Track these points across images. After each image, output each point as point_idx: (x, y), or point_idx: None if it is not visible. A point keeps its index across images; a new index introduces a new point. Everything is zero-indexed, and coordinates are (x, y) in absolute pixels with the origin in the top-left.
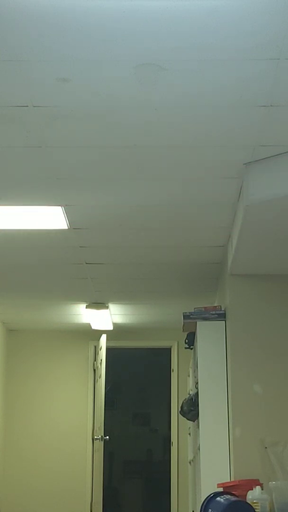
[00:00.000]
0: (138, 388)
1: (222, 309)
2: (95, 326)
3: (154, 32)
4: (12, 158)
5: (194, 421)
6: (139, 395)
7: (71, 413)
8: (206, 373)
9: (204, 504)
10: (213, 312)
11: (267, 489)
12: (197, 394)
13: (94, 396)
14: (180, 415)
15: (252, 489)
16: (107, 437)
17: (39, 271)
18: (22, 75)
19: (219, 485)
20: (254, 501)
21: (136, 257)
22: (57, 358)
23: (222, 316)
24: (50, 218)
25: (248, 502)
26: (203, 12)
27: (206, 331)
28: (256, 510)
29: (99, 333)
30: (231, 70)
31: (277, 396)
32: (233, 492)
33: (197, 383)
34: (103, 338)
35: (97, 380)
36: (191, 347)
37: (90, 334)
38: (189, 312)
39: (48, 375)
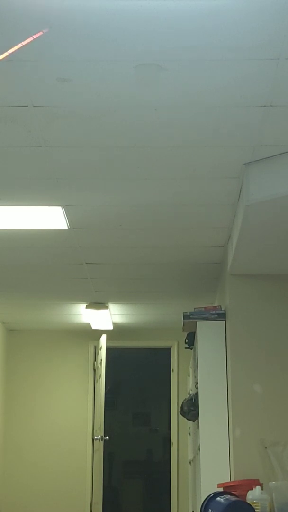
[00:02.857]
0: (138, 388)
1: (222, 309)
2: (95, 326)
3: (154, 32)
4: (12, 158)
5: (194, 421)
6: (139, 395)
7: (71, 413)
8: (206, 373)
9: (204, 504)
10: (213, 312)
11: (267, 489)
12: (197, 394)
13: (94, 396)
14: (180, 415)
15: (252, 489)
16: (107, 437)
17: (39, 271)
18: (22, 75)
19: (219, 485)
20: (254, 501)
21: (136, 257)
22: (57, 358)
23: (222, 316)
24: (50, 218)
25: (248, 502)
26: (203, 12)
27: (206, 331)
28: (256, 510)
29: (99, 333)
30: (231, 70)
31: (277, 396)
32: (233, 492)
33: (197, 383)
34: (103, 338)
35: (97, 380)
36: (191, 347)
37: (90, 334)
38: (189, 312)
39: (48, 375)
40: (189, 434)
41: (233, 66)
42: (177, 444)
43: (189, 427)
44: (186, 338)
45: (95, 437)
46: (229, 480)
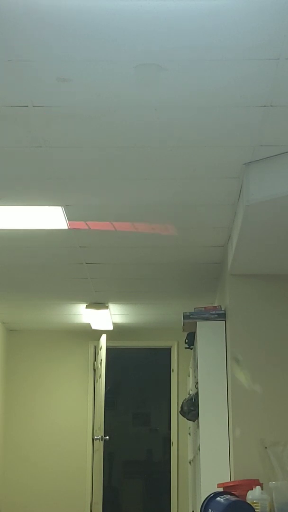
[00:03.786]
0: (138, 388)
1: (222, 309)
2: (95, 326)
3: (154, 32)
4: (12, 158)
5: (194, 421)
6: (139, 395)
7: (71, 413)
8: (206, 373)
9: (204, 504)
10: (213, 312)
11: (267, 489)
12: (197, 394)
13: (94, 396)
14: (180, 415)
15: (252, 489)
16: (107, 437)
17: (39, 271)
18: (22, 75)
19: (219, 485)
20: (254, 501)
21: (136, 257)
22: (57, 358)
23: (222, 316)
24: (50, 218)
25: (248, 502)
26: (203, 12)
27: (206, 331)
28: (256, 510)
29: (99, 333)
30: (231, 70)
31: (277, 396)
32: (233, 492)
33: (197, 383)
34: (103, 338)
35: (97, 380)
36: (191, 347)
37: (90, 334)
38: (189, 312)
39: (48, 375)
40: (189, 434)
41: (233, 66)
42: (177, 444)
43: (189, 427)
44: (186, 338)
45: (95, 437)
46: (229, 480)
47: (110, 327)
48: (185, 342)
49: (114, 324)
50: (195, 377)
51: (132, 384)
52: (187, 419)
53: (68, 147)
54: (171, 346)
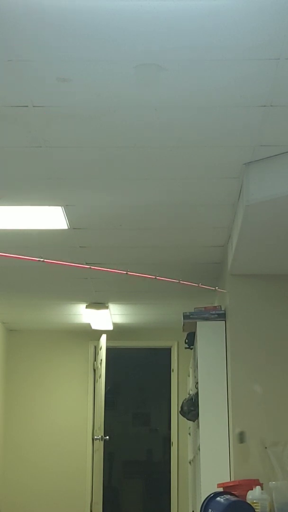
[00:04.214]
0: (138, 388)
1: (222, 309)
2: (95, 326)
3: (154, 32)
4: (12, 158)
5: (194, 421)
6: (139, 395)
7: (71, 413)
8: (206, 373)
9: (204, 504)
10: (213, 312)
11: (267, 489)
12: (197, 394)
13: (94, 396)
14: (180, 415)
15: (252, 489)
16: (107, 437)
17: (39, 271)
18: (22, 75)
19: (219, 485)
20: (254, 501)
21: (136, 257)
22: (57, 358)
23: (222, 316)
24: (50, 218)
25: (248, 502)
26: (203, 12)
27: (206, 331)
28: (256, 510)
29: (99, 333)
30: (231, 70)
31: (277, 396)
32: (233, 492)
33: (197, 383)
34: (103, 338)
35: (97, 380)
36: (191, 347)
37: (90, 334)
38: (189, 312)
39: (48, 375)
40: (189, 434)
41: (233, 66)
42: (177, 444)
43: (189, 427)
44: (186, 338)
45: (95, 437)
46: (229, 480)
47: (110, 327)
48: (185, 342)
49: (114, 324)
50: (195, 377)
51: (132, 384)
52: (187, 419)
53: (68, 147)
54: (171, 346)
